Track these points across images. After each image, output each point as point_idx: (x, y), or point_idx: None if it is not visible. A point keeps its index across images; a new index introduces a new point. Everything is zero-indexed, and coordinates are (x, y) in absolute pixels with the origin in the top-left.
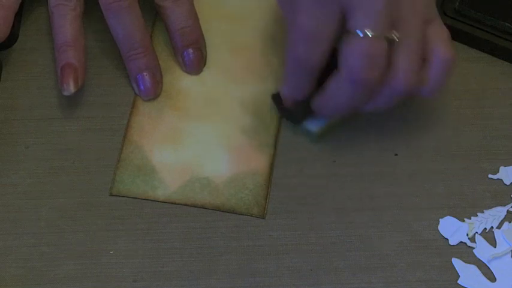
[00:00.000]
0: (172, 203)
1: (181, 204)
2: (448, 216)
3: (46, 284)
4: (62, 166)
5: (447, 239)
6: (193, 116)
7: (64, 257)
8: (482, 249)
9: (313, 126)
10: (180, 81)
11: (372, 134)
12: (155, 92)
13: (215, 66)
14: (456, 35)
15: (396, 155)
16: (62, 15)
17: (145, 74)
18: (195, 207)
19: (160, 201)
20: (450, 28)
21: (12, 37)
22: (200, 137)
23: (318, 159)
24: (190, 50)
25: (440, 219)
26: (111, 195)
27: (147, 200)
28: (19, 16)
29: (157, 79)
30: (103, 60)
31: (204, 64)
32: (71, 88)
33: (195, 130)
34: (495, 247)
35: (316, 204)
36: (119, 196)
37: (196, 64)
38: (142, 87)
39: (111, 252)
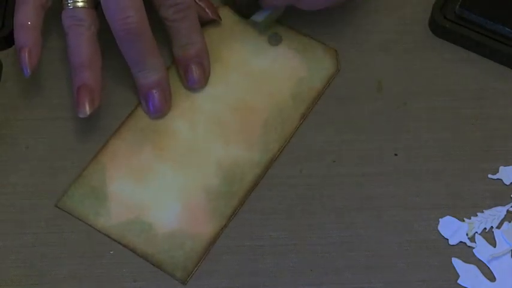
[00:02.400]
0: (106, 235)
1: (114, 240)
2: (448, 216)
3: (46, 284)
4: (62, 166)
5: (447, 239)
6: (168, 160)
7: (64, 257)
8: (482, 249)
9: (258, 17)
10: (172, 121)
11: (372, 134)
12: (162, 109)
13: (213, 118)
14: (456, 39)
15: (396, 155)
16: (77, 35)
17: (154, 91)
18: (126, 248)
19: (96, 230)
20: (450, 31)
21: (12, 37)
22: (164, 182)
23: (318, 159)
24: (192, 66)
25: (440, 219)
26: (56, 206)
27: (86, 224)
28: None
29: (166, 97)
30: (103, 61)
31: (206, 81)
32: (86, 110)
33: (162, 174)
34: (495, 247)
35: (316, 204)
36: (62, 210)
37: (197, 80)
38: (150, 104)
39: (111, 252)
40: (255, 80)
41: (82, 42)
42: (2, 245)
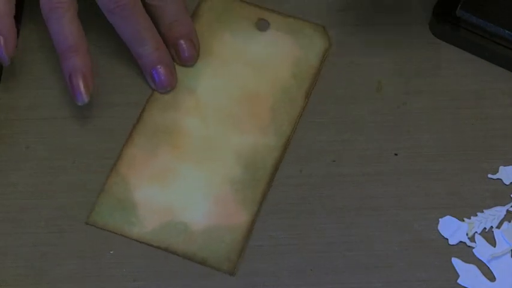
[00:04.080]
0: (145, 243)
1: (153, 247)
2: (448, 216)
3: (46, 284)
4: (62, 166)
5: (447, 239)
6: (186, 158)
7: (64, 257)
8: (481, 249)
9: None
10: (183, 120)
11: (372, 134)
12: (171, 83)
13: (221, 110)
14: (456, 41)
15: (396, 155)
16: (58, 18)
17: (159, 67)
18: (167, 251)
19: (133, 239)
20: (450, 33)
21: None
22: (188, 180)
23: (318, 159)
24: (182, 42)
25: (440, 219)
26: (87, 223)
27: (121, 235)
28: (19, 17)
29: (171, 71)
30: (103, 60)
31: (198, 55)
32: (83, 97)
33: (185, 172)
34: (495, 247)
35: (316, 204)
36: (94, 226)
37: (188, 55)
38: (157, 79)
39: (111, 252)
40: (252, 67)
41: (64, 25)
42: (2, 245)
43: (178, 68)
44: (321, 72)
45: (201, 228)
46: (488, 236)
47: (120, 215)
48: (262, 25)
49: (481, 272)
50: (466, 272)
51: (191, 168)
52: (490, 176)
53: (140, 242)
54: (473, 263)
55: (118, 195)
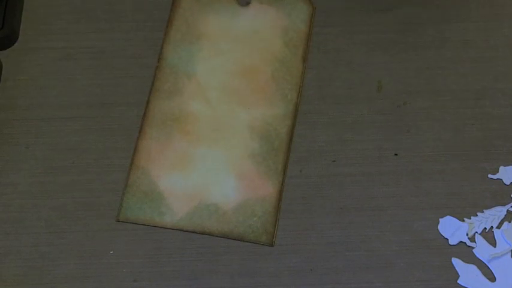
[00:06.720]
0: (180, 230)
1: (189, 232)
2: (448, 216)
3: (46, 284)
4: (62, 166)
5: (447, 239)
6: (201, 141)
7: (64, 257)
8: (482, 249)
9: None
10: (188, 105)
11: (372, 134)
12: None
13: (224, 89)
14: None
15: (396, 155)
16: None
17: None
18: (203, 234)
19: (168, 228)
20: None
21: (12, 37)
22: (208, 162)
23: (318, 159)
24: None
25: (440, 219)
26: (118, 221)
27: (155, 226)
28: (19, 15)
29: None
30: (103, 60)
31: None
32: None
33: (204, 155)
34: (495, 247)
35: (316, 204)
36: (126, 222)
37: None
38: None
39: (111, 252)
40: (243, 42)
41: None
42: (1, 245)
43: (172, 55)
44: (312, 36)
45: (232, 205)
46: (489, 236)
47: (149, 207)
48: (243, 0)
49: (481, 272)
50: (466, 272)
51: (208, 149)
52: (490, 176)
53: (175, 230)
54: (473, 263)
55: (143, 188)
